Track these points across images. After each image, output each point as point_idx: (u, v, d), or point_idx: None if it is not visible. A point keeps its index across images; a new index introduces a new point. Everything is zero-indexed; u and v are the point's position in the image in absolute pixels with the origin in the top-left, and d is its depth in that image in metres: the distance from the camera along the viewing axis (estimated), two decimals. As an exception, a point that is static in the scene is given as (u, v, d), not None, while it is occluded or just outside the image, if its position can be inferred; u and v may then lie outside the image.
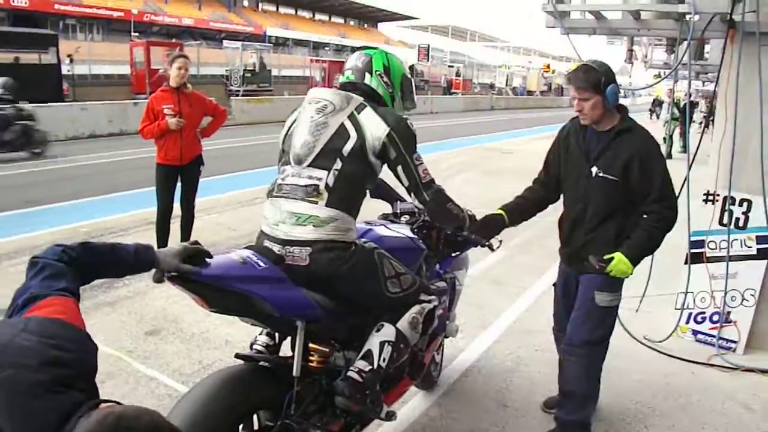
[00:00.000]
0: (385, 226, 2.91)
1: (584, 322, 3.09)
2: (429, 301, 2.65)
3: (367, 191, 2.57)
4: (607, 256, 2.94)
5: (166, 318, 4.66)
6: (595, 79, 2.88)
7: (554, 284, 3.45)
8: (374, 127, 2.36)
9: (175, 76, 5.39)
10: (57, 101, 16.93)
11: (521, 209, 3.32)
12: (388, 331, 2.46)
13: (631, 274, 2.99)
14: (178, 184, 5.72)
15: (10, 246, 6.22)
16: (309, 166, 2.36)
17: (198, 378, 3.75)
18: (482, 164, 14.18)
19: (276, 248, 2.30)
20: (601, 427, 3.42)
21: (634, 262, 2.96)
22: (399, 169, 2.42)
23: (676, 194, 3.07)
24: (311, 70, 33.54)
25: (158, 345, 4.23)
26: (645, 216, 2.97)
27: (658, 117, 36.23)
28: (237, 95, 24.71)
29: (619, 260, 2.91)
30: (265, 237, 2.38)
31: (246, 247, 2.29)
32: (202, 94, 5.81)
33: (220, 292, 2.00)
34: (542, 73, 59.49)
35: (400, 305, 2.53)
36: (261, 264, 2.14)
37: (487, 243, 3.08)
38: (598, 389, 3.25)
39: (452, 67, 49.82)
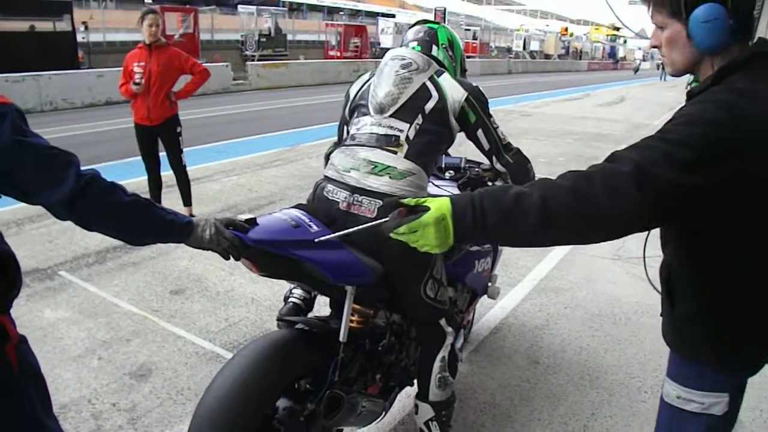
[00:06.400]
0: (432, 183, 2.79)
1: None
2: (446, 335, 2.46)
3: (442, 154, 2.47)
4: None
5: (190, 277, 4.64)
6: None
7: None
8: (454, 91, 2.33)
9: (147, 34, 5.26)
10: (72, 68, 16.86)
11: None
12: (425, 411, 2.46)
13: None
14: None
15: (32, 210, 6.18)
16: (391, 116, 2.30)
17: (225, 336, 3.75)
18: (501, 126, 13.89)
19: (343, 195, 2.20)
20: (634, 384, 3.37)
21: None
22: (479, 132, 2.38)
23: None
24: (326, 35, 33.24)
25: (184, 304, 4.21)
26: None
27: (665, 79, 35.18)
28: (252, 60, 24.50)
29: None
30: (329, 182, 2.27)
31: (295, 207, 2.18)
32: (180, 52, 5.56)
33: (273, 257, 1.90)
34: (560, 36, 58.54)
35: (420, 313, 2.39)
36: (314, 227, 2.03)
37: None
38: None
39: (468, 30, 48.91)
